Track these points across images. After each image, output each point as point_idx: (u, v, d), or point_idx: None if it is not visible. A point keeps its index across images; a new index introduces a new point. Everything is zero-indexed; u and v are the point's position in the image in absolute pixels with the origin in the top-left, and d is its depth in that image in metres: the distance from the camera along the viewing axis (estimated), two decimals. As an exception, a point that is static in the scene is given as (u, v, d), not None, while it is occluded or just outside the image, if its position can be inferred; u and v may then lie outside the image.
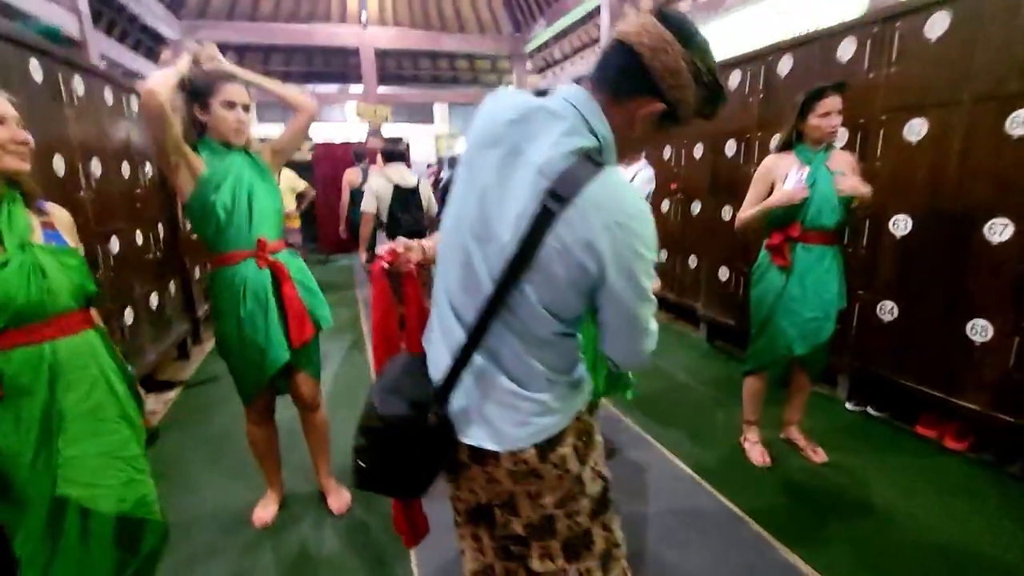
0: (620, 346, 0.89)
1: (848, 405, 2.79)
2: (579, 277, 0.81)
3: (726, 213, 3.51)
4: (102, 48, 4.82)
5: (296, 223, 5.89)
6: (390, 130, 9.81)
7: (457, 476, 1.01)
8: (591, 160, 0.79)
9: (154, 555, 1.47)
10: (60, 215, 1.37)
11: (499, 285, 0.82)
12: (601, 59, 0.85)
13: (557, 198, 0.77)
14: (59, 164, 2.43)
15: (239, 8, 7.35)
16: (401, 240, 1.18)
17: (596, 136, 0.82)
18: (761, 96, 3.16)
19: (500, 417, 0.89)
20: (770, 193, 2.08)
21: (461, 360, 0.88)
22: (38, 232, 1.27)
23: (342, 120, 10.51)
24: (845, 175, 1.98)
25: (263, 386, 1.88)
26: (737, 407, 2.42)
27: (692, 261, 4.00)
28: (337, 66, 8.98)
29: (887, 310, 2.55)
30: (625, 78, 0.81)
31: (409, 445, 0.91)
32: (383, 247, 1.16)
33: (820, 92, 1.96)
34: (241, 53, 8.41)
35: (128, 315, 2.94)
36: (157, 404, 3.09)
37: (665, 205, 4.26)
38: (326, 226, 7.28)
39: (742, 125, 3.31)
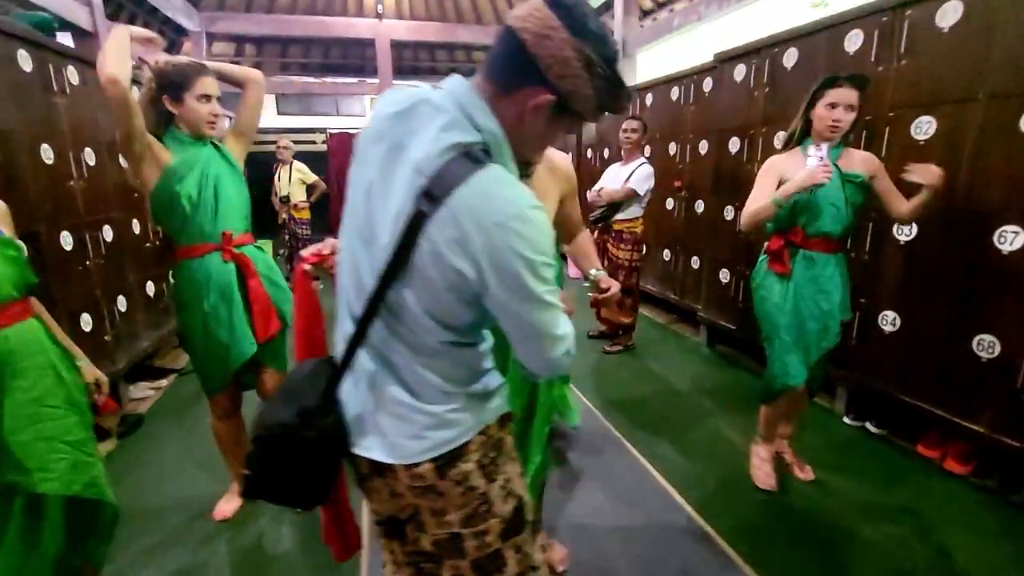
0: (526, 354, 0.83)
1: (846, 419, 2.64)
2: (457, 282, 0.75)
3: (728, 213, 3.36)
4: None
5: (306, 214, 5.95)
6: (406, 122, 9.79)
7: (365, 487, 0.96)
8: (470, 157, 0.73)
9: (105, 537, 1.48)
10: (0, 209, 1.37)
11: (378, 289, 0.78)
12: (491, 48, 0.78)
13: (430, 197, 0.72)
14: (48, 153, 2.47)
15: (257, 0, 7.41)
16: (329, 241, 1.14)
17: (480, 131, 0.76)
18: (766, 90, 3.00)
19: (393, 429, 0.85)
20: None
21: (346, 359, 0.85)
22: None
23: (360, 112, 10.54)
24: (915, 170, 1.79)
25: (227, 381, 1.87)
26: (732, 418, 2.32)
27: (695, 262, 3.87)
28: (355, 58, 8.99)
29: (889, 320, 2.40)
30: (511, 67, 0.75)
31: (293, 454, 0.86)
32: (307, 249, 1.12)
33: (832, 80, 1.79)
34: (259, 45, 8.52)
35: (121, 302, 2.99)
36: (148, 391, 3.14)
37: (670, 203, 4.13)
38: (339, 216, 7.33)
39: (746, 121, 3.16)
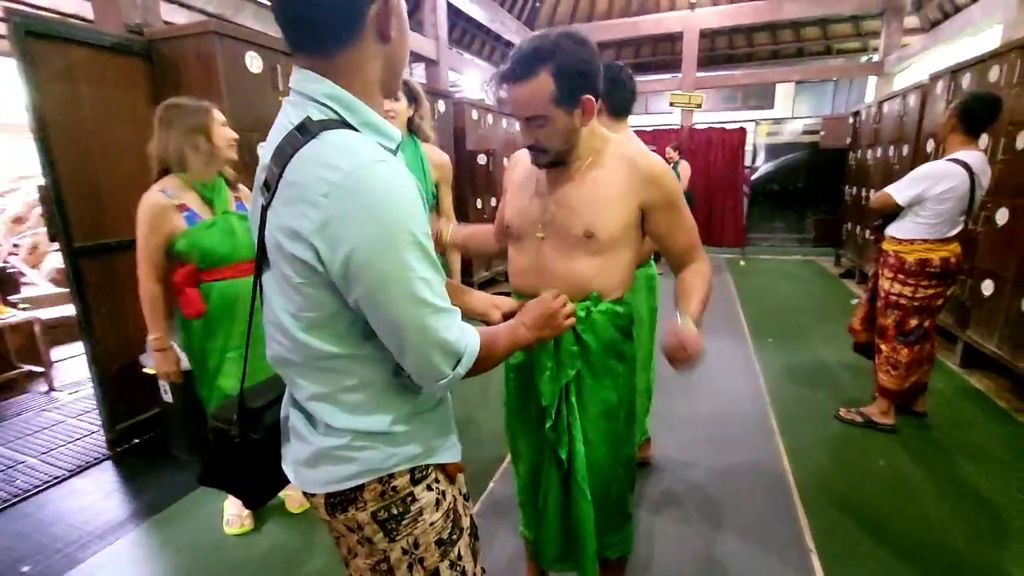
0: (404, 359, 0.70)
1: None
2: (308, 275, 0.65)
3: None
4: (452, 63, 6.51)
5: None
6: (710, 118, 9.32)
7: None
8: (301, 129, 0.65)
9: None
10: (245, 192, 1.83)
11: (252, 304, 0.75)
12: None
13: (265, 186, 0.67)
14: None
15: (579, 11, 8.35)
16: None
17: (320, 101, 0.67)
18: None
19: (296, 450, 0.79)
20: None
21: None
22: (232, 203, 1.76)
23: (668, 110, 10.56)
24: None
25: None
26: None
27: (988, 287, 2.57)
28: (664, 54, 9.05)
29: None
30: (319, 14, 0.64)
31: (227, 452, 0.85)
32: None
33: None
34: (579, 53, 9.66)
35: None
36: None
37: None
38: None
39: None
